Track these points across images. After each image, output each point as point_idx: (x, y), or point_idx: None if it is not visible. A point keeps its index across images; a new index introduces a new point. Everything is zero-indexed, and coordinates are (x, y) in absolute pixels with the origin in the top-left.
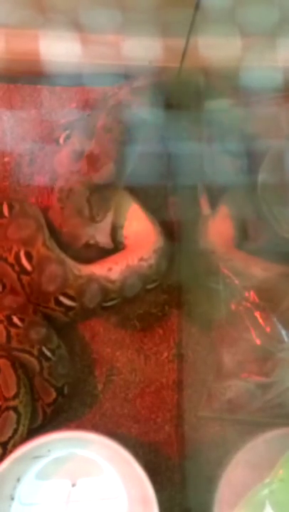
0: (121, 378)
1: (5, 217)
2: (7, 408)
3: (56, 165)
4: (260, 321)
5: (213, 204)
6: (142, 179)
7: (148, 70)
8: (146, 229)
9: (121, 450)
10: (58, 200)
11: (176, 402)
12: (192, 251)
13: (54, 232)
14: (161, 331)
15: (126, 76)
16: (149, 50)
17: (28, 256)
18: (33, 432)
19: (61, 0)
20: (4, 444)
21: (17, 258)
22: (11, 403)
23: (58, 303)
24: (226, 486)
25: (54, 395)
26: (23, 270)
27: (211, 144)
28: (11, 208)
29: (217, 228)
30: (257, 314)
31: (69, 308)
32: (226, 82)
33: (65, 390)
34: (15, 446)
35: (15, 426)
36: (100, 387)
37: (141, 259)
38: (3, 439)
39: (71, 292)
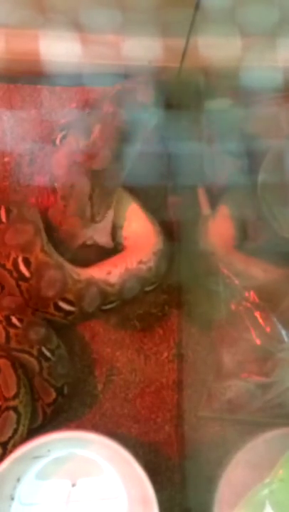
0: (121, 378)
1: (2, 222)
2: (7, 408)
3: (54, 166)
4: (260, 321)
5: (213, 204)
6: (142, 179)
7: (148, 70)
8: (145, 230)
9: (121, 450)
10: (61, 198)
11: (176, 402)
12: (192, 251)
13: (52, 231)
14: (161, 331)
15: (126, 76)
16: (149, 50)
17: (27, 262)
18: (33, 432)
19: (61, 0)
20: (4, 444)
21: (15, 264)
22: (11, 403)
23: (57, 308)
24: (226, 486)
25: (54, 395)
26: (21, 276)
27: (211, 144)
28: (8, 212)
29: (217, 229)
30: (257, 314)
31: (68, 313)
32: (226, 82)
33: (65, 390)
34: (15, 446)
35: (15, 426)
36: (100, 387)
37: (140, 262)
38: (3, 439)
39: (70, 297)
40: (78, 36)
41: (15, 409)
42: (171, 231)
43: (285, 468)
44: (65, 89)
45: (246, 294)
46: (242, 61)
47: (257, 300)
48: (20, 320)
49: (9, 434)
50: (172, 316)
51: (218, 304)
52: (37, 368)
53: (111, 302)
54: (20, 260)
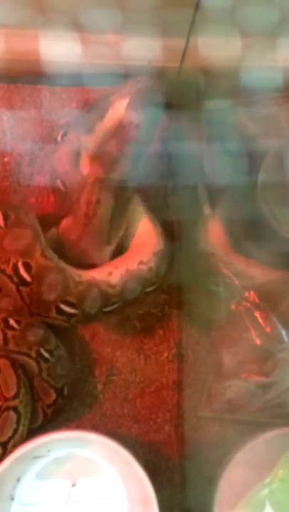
0: (121, 378)
1: (0, 227)
2: (7, 408)
3: (56, 163)
4: (260, 321)
5: (213, 204)
6: (142, 179)
7: (148, 70)
8: (146, 230)
9: (121, 450)
10: (84, 216)
11: (176, 402)
12: (192, 251)
13: (64, 246)
14: (161, 331)
15: (126, 76)
16: (149, 50)
17: (27, 267)
18: (33, 433)
19: (61, 0)
20: (4, 444)
21: (15, 269)
22: (11, 403)
23: (59, 311)
24: (226, 486)
25: (54, 395)
26: (22, 281)
27: (211, 144)
28: (6, 217)
29: (216, 229)
30: (257, 314)
31: (70, 315)
32: (226, 82)
33: (65, 391)
34: (15, 446)
35: (15, 426)
36: (100, 387)
37: (140, 263)
38: (3, 439)
39: (72, 299)
40: (78, 36)
41: (15, 409)
42: (171, 231)
43: (285, 468)
44: (65, 89)
45: (246, 294)
46: (242, 61)
47: (257, 300)
48: (17, 322)
49: (9, 434)
50: (172, 316)
51: (218, 304)
52: (36, 369)
53: (113, 304)
54: (20, 265)
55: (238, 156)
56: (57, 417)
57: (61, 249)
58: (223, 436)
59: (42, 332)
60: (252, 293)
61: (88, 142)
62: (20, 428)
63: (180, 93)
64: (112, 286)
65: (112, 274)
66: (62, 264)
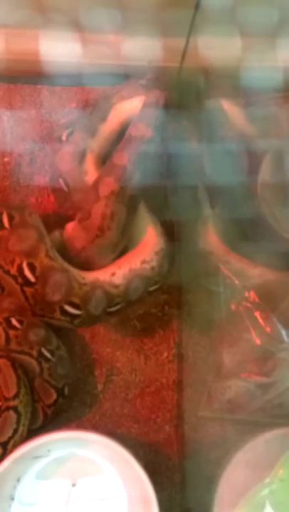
0: (121, 378)
1: (5, 228)
2: (7, 408)
3: (59, 162)
4: (260, 321)
5: (213, 204)
6: (142, 179)
7: (148, 70)
8: (147, 230)
9: (121, 450)
10: (98, 229)
11: (176, 402)
12: (192, 251)
13: (66, 250)
14: (161, 331)
15: (126, 76)
16: (149, 50)
17: (31, 267)
18: (33, 433)
19: (61, 0)
20: (4, 444)
21: (20, 270)
22: (11, 403)
23: (64, 312)
24: (225, 486)
25: (54, 396)
26: (26, 282)
27: (211, 144)
28: (11, 218)
29: (216, 229)
30: (257, 314)
31: (74, 316)
32: (226, 82)
33: (66, 391)
34: (15, 446)
35: (15, 426)
36: (100, 387)
37: (143, 262)
38: (3, 439)
39: (76, 300)
40: (78, 36)
41: (15, 409)
42: (171, 231)
43: (285, 468)
44: (65, 89)
45: (246, 294)
46: (242, 61)
47: (257, 300)
48: (20, 321)
49: (9, 434)
50: (172, 316)
51: (218, 304)
52: (37, 369)
53: (116, 304)
54: (25, 266)
55: (238, 156)
56: (57, 417)
57: (64, 253)
58: (223, 436)
59: (43, 332)
60: (252, 293)
61: (93, 143)
62: (21, 428)
63: (180, 93)
64: (116, 287)
65: (115, 274)
66: (66, 266)
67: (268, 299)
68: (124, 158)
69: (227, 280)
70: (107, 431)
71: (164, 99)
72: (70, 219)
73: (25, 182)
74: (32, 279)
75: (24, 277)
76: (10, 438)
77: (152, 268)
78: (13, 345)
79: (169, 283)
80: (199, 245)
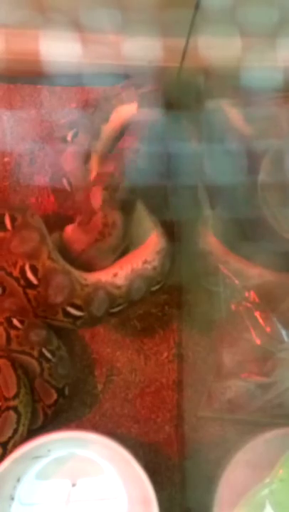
0: (121, 378)
1: (8, 230)
2: (7, 408)
3: (63, 162)
4: (260, 321)
5: (213, 204)
6: (142, 179)
7: (148, 70)
8: (148, 230)
9: (121, 450)
10: (100, 233)
11: (176, 402)
12: (192, 251)
13: (66, 251)
14: (161, 331)
15: (126, 76)
16: (149, 50)
17: (34, 269)
18: (33, 433)
19: (61, 0)
20: (4, 444)
21: (22, 272)
22: (11, 403)
23: (66, 314)
24: (225, 486)
25: (55, 396)
26: (28, 284)
27: (211, 144)
28: (13, 220)
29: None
30: (257, 314)
31: (77, 318)
32: (226, 82)
33: (66, 391)
34: (15, 446)
35: (15, 426)
36: (100, 387)
37: (145, 262)
38: (3, 439)
39: (79, 302)
40: (78, 36)
41: (15, 409)
42: (171, 231)
43: (285, 468)
44: (65, 89)
45: (246, 294)
46: (242, 61)
47: (257, 300)
48: (21, 321)
49: (9, 434)
50: (172, 316)
51: (218, 304)
52: (38, 369)
53: (119, 305)
54: (27, 268)
55: (238, 156)
56: (57, 417)
57: (65, 254)
58: (223, 436)
59: (44, 332)
60: (252, 293)
61: (97, 144)
62: (21, 428)
63: (180, 93)
64: (118, 287)
65: (117, 275)
66: (68, 267)
67: (268, 300)
68: (111, 165)
69: (227, 280)
70: (107, 431)
71: (157, 116)
72: (70, 219)
73: (25, 182)
74: (34, 281)
75: (26, 279)
76: (10, 438)
77: (154, 268)
78: (14, 345)
79: (169, 283)
80: (199, 245)
